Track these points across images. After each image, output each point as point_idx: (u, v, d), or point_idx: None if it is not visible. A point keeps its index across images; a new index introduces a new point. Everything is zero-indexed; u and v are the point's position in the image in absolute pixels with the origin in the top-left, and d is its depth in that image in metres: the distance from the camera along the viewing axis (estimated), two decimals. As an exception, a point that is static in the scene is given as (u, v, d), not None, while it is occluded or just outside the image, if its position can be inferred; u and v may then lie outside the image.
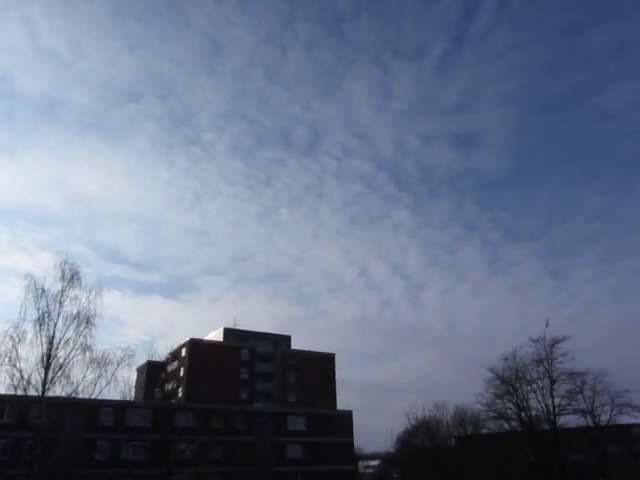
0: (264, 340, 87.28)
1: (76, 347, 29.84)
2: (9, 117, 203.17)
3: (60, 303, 30.28)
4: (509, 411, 47.14)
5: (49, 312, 29.78)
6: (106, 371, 30.08)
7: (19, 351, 28.35)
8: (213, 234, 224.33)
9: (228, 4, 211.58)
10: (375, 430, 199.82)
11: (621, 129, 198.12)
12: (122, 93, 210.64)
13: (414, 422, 75.29)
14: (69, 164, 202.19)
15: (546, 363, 45.10)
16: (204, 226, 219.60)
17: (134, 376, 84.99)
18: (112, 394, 32.59)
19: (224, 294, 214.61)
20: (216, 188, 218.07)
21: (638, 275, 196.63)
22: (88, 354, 29.99)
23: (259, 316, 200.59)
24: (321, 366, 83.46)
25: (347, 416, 68.54)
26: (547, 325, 45.30)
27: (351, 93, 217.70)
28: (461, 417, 74.37)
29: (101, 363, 30.06)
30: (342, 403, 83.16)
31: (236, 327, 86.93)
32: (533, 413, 46.34)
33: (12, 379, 28.00)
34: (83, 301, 30.89)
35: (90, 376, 29.70)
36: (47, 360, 28.79)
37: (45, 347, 28.98)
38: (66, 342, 29.71)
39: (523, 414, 46.35)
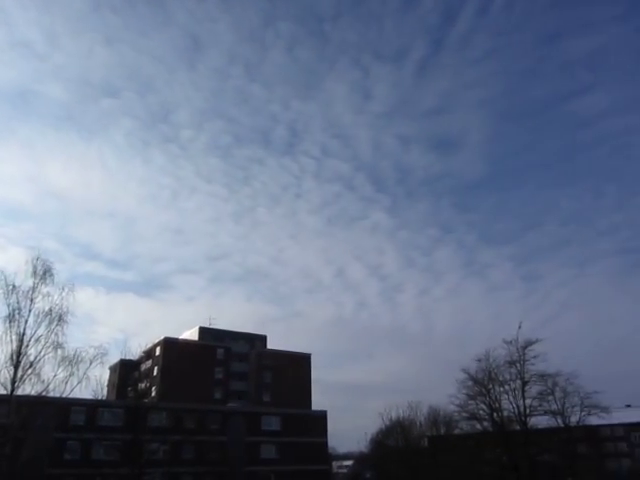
0: (239, 339, 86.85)
1: (47, 345, 29.36)
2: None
3: (31, 300, 29.75)
4: (481, 412, 47.72)
5: (20, 309, 29.24)
6: (78, 369, 29.67)
7: (-13, 348, 27.80)
8: (189, 232, 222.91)
9: (209, 0, 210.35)
10: (350, 430, 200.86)
11: (594, 136, 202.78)
12: (99, 87, 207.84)
13: (388, 422, 75.81)
14: (43, 158, 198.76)
15: (518, 365, 45.78)
16: (180, 224, 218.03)
17: (106, 375, 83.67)
18: (84, 393, 32.24)
19: (200, 293, 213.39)
20: (193, 186, 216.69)
21: (608, 279, 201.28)
22: (60, 352, 29.54)
23: (235, 316, 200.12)
24: (297, 366, 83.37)
25: (321, 416, 68.63)
26: (520, 327, 46.00)
27: (331, 93, 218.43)
28: (434, 417, 75.00)
29: (73, 361, 29.62)
30: (317, 403, 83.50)
31: (211, 326, 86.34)
32: (505, 414, 46.97)
33: (-21, 376, 27.44)
34: (55, 298, 30.40)
35: (61, 374, 29.26)
36: (17, 358, 28.24)
37: (15, 344, 28.45)
38: (37, 340, 29.21)
39: (495, 415, 46.95)
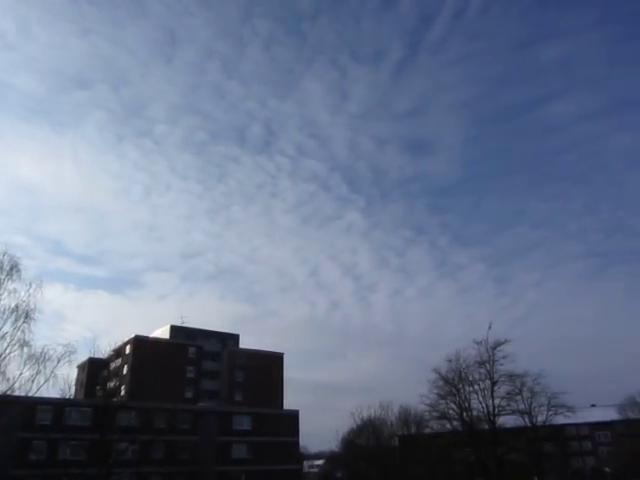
0: (212, 338, 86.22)
1: (13, 342, 28.70)
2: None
3: (-3, 296, 29.04)
4: (451, 411, 48.40)
5: (-16, 305, 28.53)
6: (45, 368, 29.10)
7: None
8: (163, 229, 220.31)
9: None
10: (322, 429, 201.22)
11: (565, 141, 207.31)
12: (72, 79, 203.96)
13: (359, 422, 76.13)
14: (14, 151, 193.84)
15: (488, 365, 46.58)
16: (153, 221, 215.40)
17: (75, 374, 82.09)
18: (51, 392, 31.63)
19: (172, 291, 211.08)
20: (167, 182, 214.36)
21: (576, 281, 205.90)
22: (26, 350, 28.91)
23: (208, 314, 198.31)
24: (269, 365, 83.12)
25: (293, 416, 68.59)
26: (490, 328, 46.83)
27: (308, 93, 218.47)
28: (405, 417, 75.66)
29: (40, 359, 29.06)
30: (289, 403, 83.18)
31: (183, 325, 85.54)
32: (474, 413, 47.75)
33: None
34: (22, 294, 29.73)
35: (27, 373, 28.62)
36: (-19, 355, 27.57)
37: (-21, 342, 27.75)
38: (2, 337, 28.55)
39: (465, 414, 47.65)
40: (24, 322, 29.33)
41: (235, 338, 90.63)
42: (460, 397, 47.99)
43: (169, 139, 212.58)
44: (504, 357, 45.90)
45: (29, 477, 47.13)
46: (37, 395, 30.02)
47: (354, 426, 77.60)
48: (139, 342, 75.44)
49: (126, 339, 75.34)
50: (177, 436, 56.43)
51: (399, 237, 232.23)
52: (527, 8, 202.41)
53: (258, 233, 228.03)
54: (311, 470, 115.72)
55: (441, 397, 48.58)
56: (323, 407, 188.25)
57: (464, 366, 47.83)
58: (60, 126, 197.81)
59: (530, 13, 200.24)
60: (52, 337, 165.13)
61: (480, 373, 47.30)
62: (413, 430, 72.77)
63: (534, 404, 49.65)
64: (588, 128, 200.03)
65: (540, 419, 50.13)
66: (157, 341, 79.45)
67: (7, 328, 28.82)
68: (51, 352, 29.58)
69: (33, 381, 28.62)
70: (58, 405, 49.93)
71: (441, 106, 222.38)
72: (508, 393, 47.18)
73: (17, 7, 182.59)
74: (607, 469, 73.16)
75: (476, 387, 47.67)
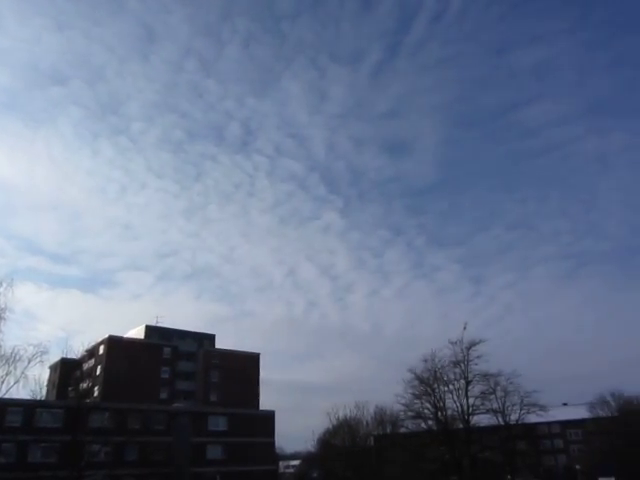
0: (187, 338, 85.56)
1: (-18, 342, 28.07)
2: None
3: (-34, 295, 28.38)
4: (426, 411, 48.80)
5: (-48, 304, 27.85)
6: (15, 368, 28.69)
7: None
8: (138, 228, 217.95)
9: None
10: (298, 430, 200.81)
11: (539, 145, 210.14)
12: (46, 75, 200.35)
13: (335, 422, 76.30)
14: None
15: (462, 365, 47.08)
16: (129, 219, 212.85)
17: (46, 374, 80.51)
18: (21, 393, 31.09)
19: (147, 290, 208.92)
20: (143, 181, 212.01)
21: (550, 282, 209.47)
22: (-5, 350, 28.30)
23: (183, 314, 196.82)
24: (245, 366, 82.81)
25: (269, 416, 68.41)
26: (465, 328, 47.35)
27: (287, 92, 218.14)
28: (381, 417, 76.11)
29: (10, 360, 28.62)
30: (266, 403, 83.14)
31: (158, 325, 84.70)
32: (449, 413, 48.22)
33: None
34: (-8, 293, 29.08)
35: (-3, 373, 28.04)
36: (-52, 356, 26.91)
37: (-54, 342, 27.07)
38: (-29, 337, 27.89)
39: (439, 414, 48.10)
40: (-6, 321, 28.74)
41: (211, 338, 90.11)
42: (435, 397, 48.42)
43: (146, 137, 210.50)
44: (478, 357, 46.50)
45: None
46: (6, 396, 29.45)
47: (330, 426, 77.83)
48: (113, 342, 74.47)
49: (100, 339, 74.30)
50: (151, 437, 55.83)
51: (377, 238, 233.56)
52: (503, 14, 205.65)
53: (235, 233, 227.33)
54: (287, 471, 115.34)
55: (416, 397, 48.96)
56: (299, 407, 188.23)
57: (439, 366, 48.31)
58: (34, 122, 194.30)
59: (506, 19, 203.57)
60: (23, 337, 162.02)
61: (455, 373, 47.83)
62: (389, 430, 73.24)
63: (507, 403, 50.37)
64: (562, 132, 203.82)
65: (513, 418, 50.85)
66: (131, 341, 78.52)
67: (-24, 328, 28.22)
68: (22, 352, 29.21)
69: (3, 382, 28.27)
70: (29, 406, 48.97)
71: (419, 108, 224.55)
72: (482, 392, 47.77)
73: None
74: (578, 467, 74.46)
75: (451, 387, 48.20)
